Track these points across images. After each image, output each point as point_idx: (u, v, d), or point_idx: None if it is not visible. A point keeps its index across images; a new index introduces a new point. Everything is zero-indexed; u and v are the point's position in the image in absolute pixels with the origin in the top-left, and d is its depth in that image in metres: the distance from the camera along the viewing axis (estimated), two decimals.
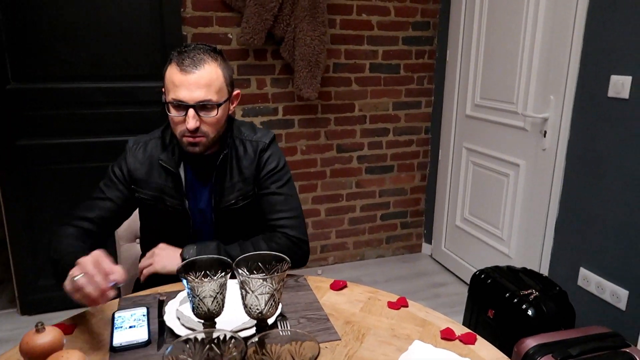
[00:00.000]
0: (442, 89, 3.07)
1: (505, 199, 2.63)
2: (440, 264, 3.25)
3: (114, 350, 1.00)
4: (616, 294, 2.01)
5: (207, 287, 0.86)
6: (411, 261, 3.33)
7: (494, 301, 1.78)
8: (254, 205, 1.37)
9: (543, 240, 2.37)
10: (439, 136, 3.16)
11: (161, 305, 1.15)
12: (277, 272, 0.89)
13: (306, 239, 1.36)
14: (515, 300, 1.70)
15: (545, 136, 2.32)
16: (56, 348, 0.72)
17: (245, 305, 0.87)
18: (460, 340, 1.06)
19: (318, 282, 1.31)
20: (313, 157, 3.00)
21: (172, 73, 1.20)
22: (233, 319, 1.05)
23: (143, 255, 1.40)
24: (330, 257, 3.21)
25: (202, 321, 0.90)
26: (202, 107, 1.21)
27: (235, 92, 1.32)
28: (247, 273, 0.90)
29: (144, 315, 1.11)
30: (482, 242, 2.84)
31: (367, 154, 3.12)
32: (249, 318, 0.97)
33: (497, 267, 1.95)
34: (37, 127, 2.36)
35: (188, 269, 0.91)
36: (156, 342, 1.03)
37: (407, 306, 1.20)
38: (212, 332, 0.72)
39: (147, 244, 1.38)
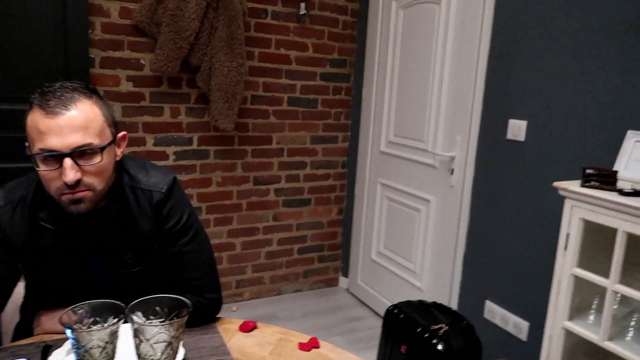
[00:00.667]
0: (358, 125, 3.15)
1: (417, 233, 2.71)
2: (356, 297, 3.26)
3: None
4: (518, 326, 2.12)
5: (96, 336, 0.77)
6: (328, 295, 3.31)
7: (406, 336, 1.79)
8: (155, 264, 1.19)
9: (452, 274, 2.46)
10: (355, 171, 3.22)
11: (45, 354, 1.02)
12: (176, 318, 0.82)
13: (220, 295, 1.25)
14: (426, 335, 1.72)
15: (452, 174, 2.44)
16: None
17: (138, 355, 0.79)
18: None
19: (226, 323, 1.24)
20: (229, 189, 2.93)
21: (35, 119, 0.97)
22: None
23: (23, 320, 1.23)
24: (245, 292, 3.11)
25: None
26: (80, 154, 0.99)
27: (120, 134, 1.12)
28: (143, 319, 0.82)
29: None
30: (396, 276, 2.89)
31: (284, 187, 3.10)
32: None
33: (409, 301, 1.97)
34: None
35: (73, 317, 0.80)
36: None
37: (318, 347, 1.16)
38: None
39: (31, 310, 1.20)
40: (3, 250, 1.09)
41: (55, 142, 0.97)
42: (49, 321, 1.12)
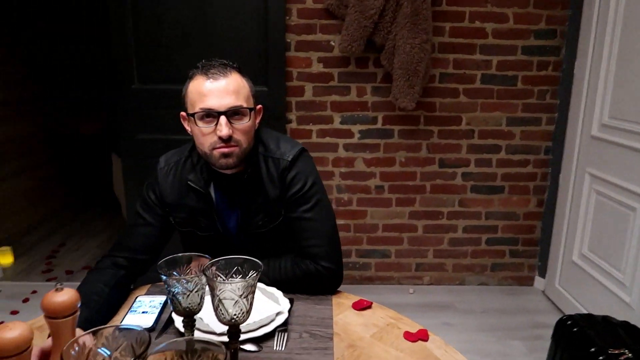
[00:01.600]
0: (567, 105, 2.70)
1: (630, 237, 2.21)
2: (552, 302, 2.86)
3: None
4: None
5: (180, 284, 0.86)
6: (518, 294, 2.98)
7: (577, 354, 1.50)
8: (282, 227, 1.29)
9: None
10: (560, 158, 2.79)
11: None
12: (243, 279, 0.86)
13: (338, 267, 1.25)
14: (601, 358, 1.41)
15: None
16: (68, 307, 0.77)
17: (214, 309, 0.85)
18: None
19: (342, 297, 1.24)
20: (413, 170, 2.87)
21: (199, 83, 1.16)
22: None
23: None
24: (425, 276, 3.03)
25: (183, 318, 0.91)
26: (233, 113, 1.16)
27: (258, 107, 1.27)
28: (223, 277, 0.88)
29: (160, 304, 1.16)
30: (600, 285, 2.42)
31: (473, 172, 2.88)
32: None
33: (590, 315, 1.64)
34: (153, 123, 2.63)
35: (171, 265, 0.91)
36: (157, 332, 1.06)
37: (425, 340, 1.06)
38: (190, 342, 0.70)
39: None
40: (159, 206, 1.30)
41: (214, 102, 1.15)
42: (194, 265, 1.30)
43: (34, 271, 3.15)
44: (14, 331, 0.69)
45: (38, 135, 4.03)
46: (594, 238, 2.49)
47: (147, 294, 1.23)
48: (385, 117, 2.77)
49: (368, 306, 1.20)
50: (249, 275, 0.87)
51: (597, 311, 2.08)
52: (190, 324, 0.91)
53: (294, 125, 2.75)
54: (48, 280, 3.02)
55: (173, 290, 0.86)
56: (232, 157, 1.19)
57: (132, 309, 1.13)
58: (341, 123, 2.77)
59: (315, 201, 1.26)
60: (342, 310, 1.18)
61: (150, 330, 1.06)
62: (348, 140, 2.80)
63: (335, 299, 1.23)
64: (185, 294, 0.87)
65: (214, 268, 0.87)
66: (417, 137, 2.82)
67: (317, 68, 2.69)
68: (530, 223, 2.99)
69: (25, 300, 2.75)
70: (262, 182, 1.26)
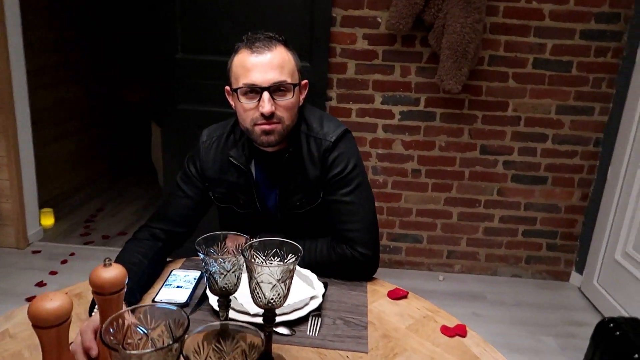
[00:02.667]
0: (625, 96, 2.55)
1: None
2: (588, 300, 2.76)
3: None
4: None
5: (217, 264, 0.85)
6: (553, 289, 2.89)
7: (617, 359, 1.43)
8: (320, 210, 1.26)
9: None
10: (611, 152, 2.65)
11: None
12: (282, 263, 0.83)
13: (375, 253, 1.21)
14: None
15: None
16: (117, 282, 0.77)
17: (250, 291, 0.84)
18: None
19: (377, 285, 1.21)
20: (452, 155, 2.79)
21: (243, 57, 1.13)
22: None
23: None
24: (457, 264, 2.98)
25: (218, 297, 0.90)
26: (276, 89, 1.13)
27: (303, 82, 1.23)
28: (262, 258, 0.86)
29: (194, 279, 1.16)
30: None
31: (515, 160, 2.78)
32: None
33: (635, 319, 1.56)
34: (195, 94, 2.63)
35: (210, 243, 0.90)
36: (191, 308, 1.06)
37: (464, 336, 1.03)
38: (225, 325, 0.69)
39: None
40: (199, 180, 1.29)
41: (257, 77, 1.11)
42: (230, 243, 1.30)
43: (73, 234, 3.25)
44: (54, 302, 0.69)
45: (83, 101, 4.11)
46: None
47: (181, 267, 1.23)
48: (428, 99, 2.69)
49: (404, 296, 1.16)
50: (288, 259, 0.85)
51: (638, 313, 1.98)
52: (225, 303, 0.90)
53: (333, 103, 2.70)
54: (85, 243, 3.12)
55: (210, 269, 0.85)
56: (273, 135, 1.16)
57: (166, 283, 1.13)
58: (382, 103, 2.70)
59: (356, 184, 1.22)
60: (376, 298, 1.15)
61: (183, 305, 1.06)
62: (388, 121, 2.73)
63: (370, 286, 1.20)
64: (222, 273, 0.85)
65: (252, 249, 0.85)
66: (460, 121, 2.72)
67: (361, 45, 2.61)
68: (571, 217, 2.87)
69: (64, 262, 2.84)
70: (302, 162, 1.23)
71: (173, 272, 1.18)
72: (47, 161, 3.56)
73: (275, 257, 0.87)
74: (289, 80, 1.14)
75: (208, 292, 1.08)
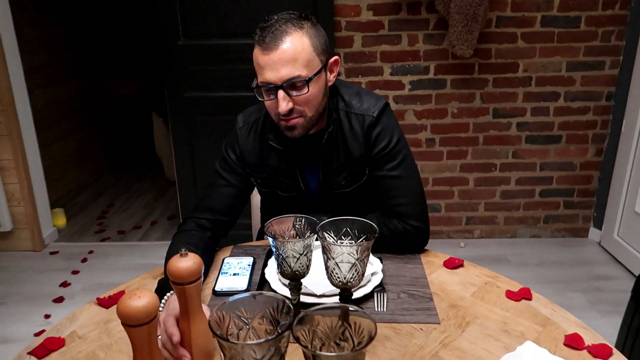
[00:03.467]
0: (635, 47, 2.53)
1: None
2: (609, 253, 2.79)
3: (215, 293, 1.05)
4: None
5: (290, 247, 0.83)
6: (573, 246, 2.92)
7: None
8: (366, 186, 1.24)
9: None
10: (624, 105, 2.64)
11: (267, 257, 1.17)
12: (364, 242, 0.82)
13: (427, 225, 1.21)
14: None
15: None
16: (195, 272, 0.76)
17: (326, 271, 0.82)
18: (589, 352, 0.87)
19: (431, 256, 1.20)
20: (465, 121, 2.77)
21: (256, 54, 1.07)
22: (324, 282, 1.01)
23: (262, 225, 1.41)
24: (476, 230, 2.99)
25: (289, 281, 0.88)
26: (291, 86, 1.06)
27: (332, 59, 1.15)
28: (333, 238, 0.84)
29: (249, 265, 1.14)
30: None
31: (529, 121, 2.77)
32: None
33: None
34: (200, 81, 2.57)
35: (275, 226, 0.88)
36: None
37: (530, 299, 1.02)
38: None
39: (265, 217, 1.38)
40: (240, 166, 1.26)
41: (270, 75, 1.06)
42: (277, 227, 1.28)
43: (87, 232, 3.22)
44: (142, 299, 0.67)
45: (77, 98, 4.03)
46: None
47: (231, 255, 1.22)
48: (438, 67, 2.65)
49: (460, 264, 1.16)
50: (361, 237, 0.83)
51: None
52: (297, 287, 0.88)
53: (342, 78, 2.66)
54: (102, 240, 3.09)
55: (283, 254, 0.83)
56: (296, 129, 1.12)
57: (222, 271, 1.12)
58: (391, 74, 2.67)
59: (402, 158, 1.20)
60: (433, 269, 1.14)
61: (245, 292, 1.05)
62: (398, 92, 2.70)
63: (424, 258, 1.19)
64: (295, 257, 0.84)
65: (324, 230, 0.83)
66: (471, 86, 2.70)
67: (366, 16, 2.56)
68: (587, 173, 2.88)
69: (84, 260, 2.82)
70: (345, 140, 1.20)
71: (226, 261, 1.16)
72: (51, 161, 3.50)
73: (346, 237, 0.85)
74: (303, 74, 1.06)
75: (267, 275, 1.07)
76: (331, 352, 0.63)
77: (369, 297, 1.02)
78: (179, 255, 0.77)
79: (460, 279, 1.10)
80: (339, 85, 1.23)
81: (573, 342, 0.89)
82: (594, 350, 0.87)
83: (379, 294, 1.03)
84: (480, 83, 2.69)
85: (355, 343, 0.62)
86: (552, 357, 0.84)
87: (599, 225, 2.90)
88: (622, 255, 2.67)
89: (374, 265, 1.09)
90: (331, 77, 1.16)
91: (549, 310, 0.99)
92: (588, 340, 0.89)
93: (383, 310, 0.99)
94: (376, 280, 1.05)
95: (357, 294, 1.00)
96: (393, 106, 2.71)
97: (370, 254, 1.13)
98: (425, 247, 1.24)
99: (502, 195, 2.91)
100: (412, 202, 1.19)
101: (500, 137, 2.80)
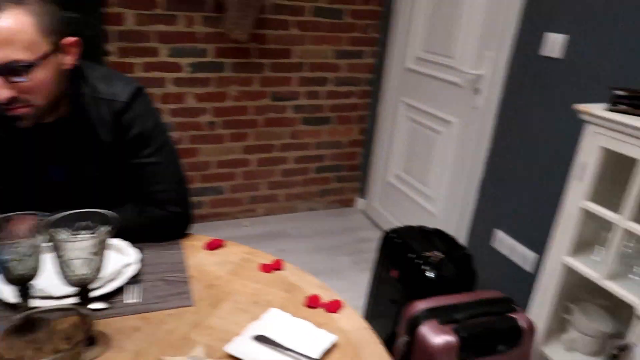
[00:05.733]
0: (386, 39, 2.93)
1: (436, 157, 2.58)
2: (371, 219, 3.23)
3: None
4: (525, 257, 2.03)
5: (12, 250, 0.75)
6: (343, 215, 3.30)
7: (399, 261, 1.75)
8: (119, 175, 1.17)
9: (466, 201, 2.36)
10: (378, 89, 3.05)
11: None
12: (95, 234, 0.79)
13: (188, 210, 1.20)
14: (418, 261, 1.67)
15: (477, 94, 2.25)
16: None
17: (60, 270, 0.77)
18: (324, 309, 1.00)
19: (193, 240, 1.22)
20: (245, 105, 2.85)
21: None
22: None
23: None
24: (259, 208, 3.14)
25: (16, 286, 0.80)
26: (11, 71, 0.93)
27: (69, 40, 1.02)
28: (66, 233, 0.79)
29: None
30: (411, 200, 2.81)
31: (304, 104, 2.99)
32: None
33: (410, 227, 1.91)
34: None
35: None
36: None
37: (280, 269, 1.12)
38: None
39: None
40: None
41: None
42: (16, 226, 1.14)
43: None
44: None
45: None
46: (408, 160, 2.84)
47: None
48: (217, 50, 2.66)
49: (220, 245, 1.20)
50: (99, 229, 0.80)
51: (410, 223, 2.41)
52: (26, 291, 0.81)
53: (114, 58, 2.47)
54: None
55: (2, 257, 0.75)
56: (26, 120, 1.00)
57: None
58: (169, 56, 2.58)
59: (159, 145, 1.17)
60: (194, 252, 1.17)
61: None
62: (177, 75, 2.63)
63: (185, 242, 1.20)
64: (19, 260, 0.76)
65: (54, 225, 0.77)
66: (250, 70, 2.78)
67: None
68: (353, 150, 3.26)
69: None
70: (92, 128, 1.11)
71: None
72: None
73: (84, 231, 0.81)
74: (24, 58, 0.93)
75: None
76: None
77: (120, 290, 0.99)
78: None
79: (219, 258, 1.15)
80: (85, 67, 1.12)
81: (312, 302, 1.01)
82: (327, 306, 1.00)
83: (129, 286, 1.00)
84: (258, 67, 2.79)
85: (75, 343, 0.60)
86: (292, 319, 0.94)
87: (363, 196, 3.33)
88: (380, 219, 3.12)
89: (130, 256, 1.06)
90: (69, 60, 1.05)
91: (296, 277, 1.11)
92: (326, 298, 1.02)
93: (135, 300, 0.97)
94: (130, 272, 1.02)
95: (106, 289, 0.96)
96: (172, 89, 2.64)
97: (127, 245, 1.10)
98: (200, 232, 1.23)
99: (282, 173, 3.10)
100: (172, 188, 1.18)
101: (279, 120, 2.97)
